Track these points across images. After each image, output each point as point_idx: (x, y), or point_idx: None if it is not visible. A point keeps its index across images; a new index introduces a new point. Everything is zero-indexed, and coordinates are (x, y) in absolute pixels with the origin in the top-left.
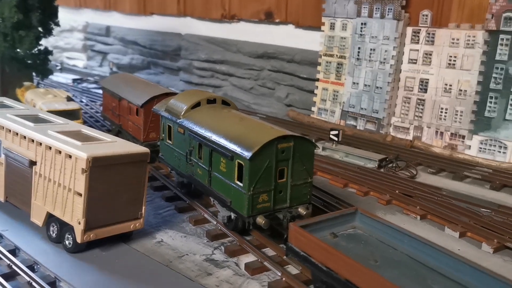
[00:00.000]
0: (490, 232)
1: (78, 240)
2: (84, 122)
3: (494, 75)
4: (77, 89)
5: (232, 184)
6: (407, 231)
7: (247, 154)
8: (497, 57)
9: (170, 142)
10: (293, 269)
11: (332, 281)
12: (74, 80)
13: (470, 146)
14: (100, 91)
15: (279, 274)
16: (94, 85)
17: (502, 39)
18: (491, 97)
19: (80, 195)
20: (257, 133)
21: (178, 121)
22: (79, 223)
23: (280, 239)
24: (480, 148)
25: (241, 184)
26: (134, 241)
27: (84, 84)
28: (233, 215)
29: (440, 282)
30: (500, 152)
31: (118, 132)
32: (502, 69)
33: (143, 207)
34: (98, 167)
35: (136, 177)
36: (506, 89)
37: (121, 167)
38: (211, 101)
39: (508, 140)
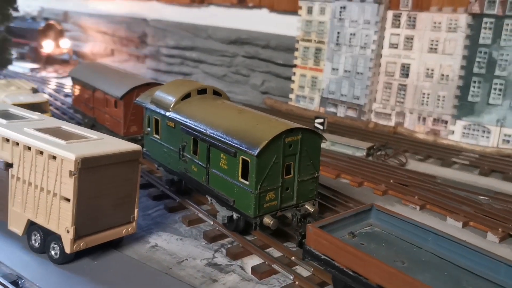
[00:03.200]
0: (493, 220)
1: (67, 250)
2: (52, 115)
3: (477, 59)
4: (36, 79)
5: (236, 183)
6: (431, 227)
7: (254, 150)
8: (481, 41)
9: (157, 136)
10: (303, 271)
11: (360, 287)
12: (32, 69)
13: (453, 131)
14: (63, 81)
15: (291, 277)
16: (54, 74)
17: (486, 23)
18: (474, 82)
19: (68, 200)
20: (262, 127)
21: (167, 114)
22: (68, 232)
23: (284, 238)
24: (464, 133)
25: (246, 182)
26: (127, 247)
27: (43, 74)
28: (235, 215)
29: (475, 284)
30: (483, 136)
31: (92, 126)
32: (485, 53)
33: (136, 210)
34: (87, 169)
35: (127, 177)
36: (489, 73)
37: (112, 168)
38: (201, 92)
39: (491, 125)
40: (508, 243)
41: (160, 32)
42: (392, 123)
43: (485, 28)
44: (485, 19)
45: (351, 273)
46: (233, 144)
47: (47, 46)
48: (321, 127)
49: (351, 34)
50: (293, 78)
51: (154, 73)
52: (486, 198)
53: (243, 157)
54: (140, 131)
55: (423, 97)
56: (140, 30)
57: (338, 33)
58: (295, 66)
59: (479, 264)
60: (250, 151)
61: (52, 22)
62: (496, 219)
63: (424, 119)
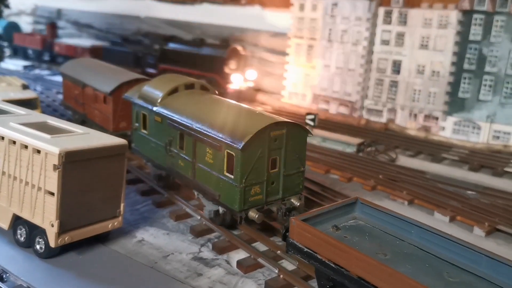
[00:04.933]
0: (479, 215)
1: (52, 244)
2: (43, 112)
3: (467, 55)
4: (29, 77)
5: (221, 177)
6: (414, 220)
7: (239, 144)
8: (471, 37)
9: (145, 131)
10: (288, 265)
11: (342, 279)
12: (26, 67)
13: (444, 127)
14: (55, 78)
15: (276, 271)
16: (48, 72)
17: (476, 19)
18: (465, 78)
19: (53, 194)
20: (247, 121)
21: (155, 109)
22: (52, 226)
23: (270, 232)
24: (454, 129)
25: (231, 176)
26: (113, 242)
27: (37, 71)
28: (221, 209)
29: (457, 275)
30: (473, 133)
31: (83, 121)
32: (475, 49)
33: (122, 204)
34: (71, 163)
35: (113, 172)
36: (479, 70)
37: (97, 162)
38: (188, 87)
39: (481, 121)
40: (494, 237)
41: (154, 30)
42: (383, 119)
43: (475, 24)
44: (475, 16)
45: (333, 265)
46: (218, 138)
47: (236, 80)
48: (312, 123)
49: (342, 31)
50: (285, 75)
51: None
52: (473, 193)
53: (228, 151)
54: (130, 127)
55: (415, 94)
56: (133, 27)
57: (330, 30)
58: (287, 63)
59: (460, 256)
60: (234, 145)
61: (235, 46)
62: (483, 213)
63: (416, 115)
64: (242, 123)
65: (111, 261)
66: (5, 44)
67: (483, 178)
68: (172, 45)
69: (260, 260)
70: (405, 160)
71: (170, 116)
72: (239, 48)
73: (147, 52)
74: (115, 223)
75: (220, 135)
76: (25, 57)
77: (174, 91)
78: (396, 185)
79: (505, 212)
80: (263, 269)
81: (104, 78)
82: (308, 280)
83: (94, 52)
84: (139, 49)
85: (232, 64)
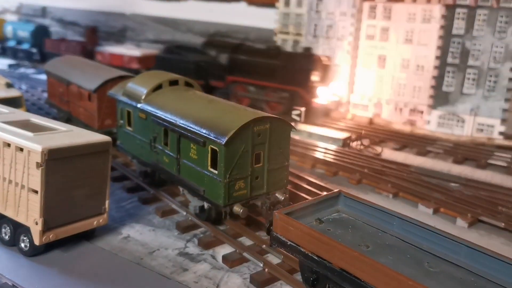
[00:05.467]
0: (462, 206)
1: (36, 242)
2: (28, 110)
3: (451, 49)
4: (15, 75)
5: (205, 172)
6: (395, 212)
7: (222, 139)
8: (454, 32)
9: (130, 128)
10: (273, 258)
11: (324, 271)
12: (11, 66)
13: (429, 121)
14: (41, 77)
15: (261, 264)
16: (33, 70)
17: (459, 13)
18: (448, 72)
19: (36, 192)
20: (230, 116)
21: (139, 105)
22: (36, 224)
23: (256, 227)
24: (439, 122)
25: (215, 172)
26: (99, 239)
27: (22, 70)
28: (206, 205)
29: (437, 265)
30: (457, 126)
31: (68, 119)
32: (459, 43)
33: (107, 201)
34: (54, 160)
35: (97, 169)
36: (463, 63)
37: (80, 159)
38: (173, 83)
39: (465, 114)
40: (476, 228)
41: (140, 27)
42: (369, 114)
43: (458, 18)
44: (458, 10)
45: (316, 257)
46: (202, 133)
47: (322, 94)
48: (298, 118)
49: (328, 26)
50: None
51: None
52: (457, 185)
53: (212, 146)
54: (115, 124)
55: (400, 88)
56: (119, 24)
57: (315, 25)
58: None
59: (440, 246)
60: (218, 140)
61: (318, 55)
62: (466, 205)
63: (401, 109)
64: (226, 119)
65: (97, 258)
66: (34, 50)
67: (467, 171)
68: (244, 55)
69: (245, 254)
70: (390, 154)
71: (154, 113)
72: (323, 57)
73: (212, 62)
74: (100, 220)
75: (204, 131)
76: None
77: (158, 87)
78: (381, 179)
79: (487, 204)
80: (248, 263)
81: (88, 75)
82: (293, 274)
83: (145, 62)
84: (201, 58)
85: (317, 76)
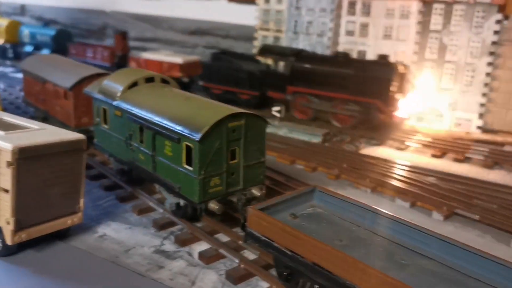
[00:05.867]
0: (439, 200)
1: (8, 242)
2: (5, 110)
3: (429, 44)
4: None
5: (180, 169)
6: (369, 206)
7: (196, 136)
8: (432, 27)
9: (106, 126)
10: (250, 254)
11: (298, 266)
12: None
13: (408, 115)
14: (20, 75)
15: (237, 261)
16: (11, 69)
17: (436, 9)
18: (427, 67)
19: (7, 191)
20: (205, 112)
21: (114, 103)
22: (8, 223)
23: (233, 223)
24: (418, 117)
25: (190, 168)
26: (73, 238)
27: (0, 68)
28: (182, 202)
29: (408, 258)
30: (436, 120)
31: (44, 118)
32: (436, 38)
33: (81, 200)
34: (26, 159)
35: (71, 167)
36: (440, 58)
37: (53, 158)
38: (149, 80)
39: (444, 109)
40: (452, 220)
41: (120, 24)
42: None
43: (435, 14)
44: (435, 5)
45: (289, 252)
46: (177, 130)
47: (403, 107)
48: (278, 115)
49: (308, 22)
50: None
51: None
52: (434, 178)
53: (187, 143)
54: (92, 122)
55: None
56: (99, 22)
57: (296, 21)
58: (254, 55)
59: (412, 239)
60: (192, 137)
61: (395, 62)
62: (442, 198)
63: None
64: (200, 115)
65: (71, 258)
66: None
67: (445, 164)
68: (307, 63)
69: (221, 250)
70: (370, 149)
71: (129, 110)
72: (400, 65)
73: (268, 71)
74: (75, 219)
75: (178, 128)
76: None
77: (133, 84)
78: (359, 173)
79: (463, 197)
80: (224, 259)
81: (64, 73)
82: (269, 269)
83: (188, 70)
84: (256, 67)
85: (396, 86)
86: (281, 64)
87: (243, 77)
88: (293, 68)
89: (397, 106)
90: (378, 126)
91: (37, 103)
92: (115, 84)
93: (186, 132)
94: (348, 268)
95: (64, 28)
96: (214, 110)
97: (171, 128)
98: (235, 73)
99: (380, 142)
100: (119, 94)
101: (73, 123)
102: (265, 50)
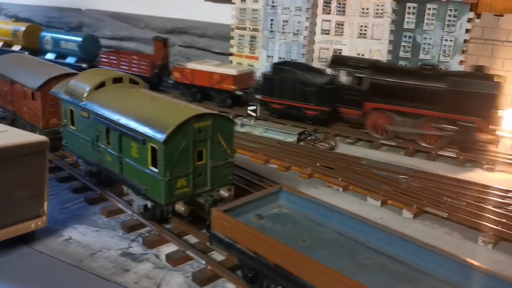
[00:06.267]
0: (409, 198)
1: None
2: None
3: (403, 43)
4: None
5: (146, 171)
6: (334, 206)
7: (161, 137)
8: (405, 26)
9: (73, 127)
10: (218, 256)
11: (261, 267)
12: None
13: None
14: None
15: (204, 262)
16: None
17: (409, 8)
18: (401, 65)
19: None
20: (170, 113)
21: (81, 104)
22: None
23: (203, 224)
24: None
25: (156, 170)
26: (38, 242)
27: None
28: (149, 204)
29: (371, 257)
30: None
31: (13, 119)
32: (410, 37)
33: (46, 203)
34: None
35: (34, 170)
36: (414, 57)
37: (14, 160)
38: (117, 80)
39: None
40: (421, 219)
41: (96, 23)
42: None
43: (409, 13)
44: (408, 4)
45: (252, 254)
46: (142, 132)
47: (507, 125)
48: (253, 114)
49: (284, 21)
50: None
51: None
52: (405, 176)
53: (152, 144)
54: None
55: None
56: (75, 20)
57: (272, 20)
58: (231, 54)
59: (375, 238)
60: (157, 138)
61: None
62: (412, 196)
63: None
64: (166, 116)
65: (34, 262)
66: (85, 65)
67: (417, 162)
68: (390, 76)
69: (188, 252)
70: (344, 148)
71: (96, 111)
72: (498, 76)
73: (342, 85)
74: (39, 223)
75: (143, 129)
76: None
77: (101, 85)
78: (332, 172)
79: (433, 195)
80: (192, 261)
81: (32, 73)
82: (236, 271)
83: (242, 82)
84: (325, 80)
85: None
86: (356, 77)
87: (311, 91)
88: (372, 82)
89: (500, 125)
90: (473, 146)
91: (5, 104)
92: (82, 84)
93: (150, 133)
94: (308, 269)
95: (91, 33)
96: (180, 110)
97: (136, 129)
98: (301, 87)
99: (354, 141)
100: (85, 95)
101: (41, 124)
102: (337, 61)
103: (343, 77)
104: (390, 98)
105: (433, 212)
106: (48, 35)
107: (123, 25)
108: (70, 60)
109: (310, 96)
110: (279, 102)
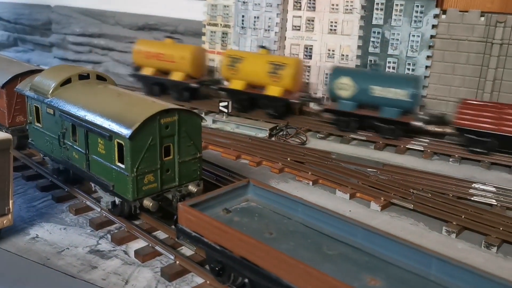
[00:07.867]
0: (377, 190)
1: None
2: None
3: (372, 39)
4: None
5: (113, 167)
6: (300, 199)
7: (127, 132)
8: (374, 22)
9: (39, 125)
10: (187, 251)
11: (227, 260)
12: None
13: None
14: None
15: (172, 257)
16: None
17: (378, 4)
18: (371, 61)
19: None
20: (137, 109)
21: (46, 100)
22: None
23: (172, 220)
24: None
25: (123, 166)
26: (3, 241)
27: None
28: (117, 200)
29: (335, 248)
30: None
31: None
32: (379, 33)
33: (11, 201)
34: None
35: None
36: (383, 52)
37: None
38: (83, 77)
39: None
40: (389, 210)
41: (65, 19)
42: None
43: (377, 9)
44: (376, 0)
45: (218, 247)
46: (108, 128)
47: None
48: (225, 110)
49: (255, 17)
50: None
51: (62, 62)
52: (374, 170)
53: (118, 140)
54: None
55: (326, 77)
56: (44, 17)
57: (243, 16)
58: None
59: (339, 230)
60: (123, 134)
61: None
62: (380, 189)
63: (328, 98)
64: (132, 112)
65: None
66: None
67: (386, 156)
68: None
69: (157, 248)
70: (315, 142)
71: (61, 108)
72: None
73: None
74: (4, 221)
75: (109, 125)
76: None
77: (67, 81)
78: (302, 167)
79: (400, 187)
80: (161, 257)
81: None
82: (205, 265)
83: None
84: None
85: None
86: None
87: None
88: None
89: None
90: None
91: None
92: (47, 80)
93: (116, 129)
94: (273, 261)
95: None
96: (146, 106)
97: (102, 125)
98: None
99: (325, 135)
100: (51, 91)
101: (7, 122)
102: None
103: None
104: None
105: (400, 204)
106: (346, 78)
107: (93, 22)
108: (392, 113)
109: None
110: None
